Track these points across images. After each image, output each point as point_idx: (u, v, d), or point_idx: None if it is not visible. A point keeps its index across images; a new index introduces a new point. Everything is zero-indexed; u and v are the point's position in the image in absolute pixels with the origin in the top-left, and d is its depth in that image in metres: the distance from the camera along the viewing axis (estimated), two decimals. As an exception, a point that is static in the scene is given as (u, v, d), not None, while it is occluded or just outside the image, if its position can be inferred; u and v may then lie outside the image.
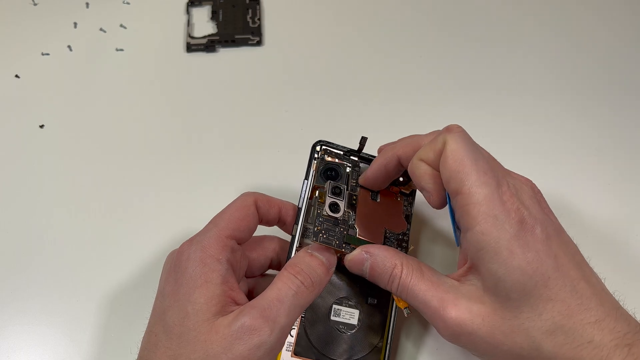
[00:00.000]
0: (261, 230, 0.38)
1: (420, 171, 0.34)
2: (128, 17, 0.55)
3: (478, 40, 0.55)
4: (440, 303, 0.32)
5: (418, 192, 0.40)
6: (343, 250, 0.36)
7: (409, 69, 0.53)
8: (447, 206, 0.34)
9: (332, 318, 0.37)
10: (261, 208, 0.36)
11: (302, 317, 0.37)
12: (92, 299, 0.42)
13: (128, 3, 0.56)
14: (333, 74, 0.53)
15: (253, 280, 0.39)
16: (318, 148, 0.40)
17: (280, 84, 0.52)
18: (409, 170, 0.35)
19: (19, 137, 0.49)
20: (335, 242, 0.36)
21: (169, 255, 0.35)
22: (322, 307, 0.37)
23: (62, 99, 0.51)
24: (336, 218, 0.36)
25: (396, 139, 0.38)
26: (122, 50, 0.53)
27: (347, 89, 0.52)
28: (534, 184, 0.35)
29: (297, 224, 0.37)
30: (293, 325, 0.35)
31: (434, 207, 0.35)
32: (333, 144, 0.40)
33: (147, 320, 0.33)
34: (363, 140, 0.39)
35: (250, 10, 0.55)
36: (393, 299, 0.38)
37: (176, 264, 0.33)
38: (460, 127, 0.34)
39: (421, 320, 0.41)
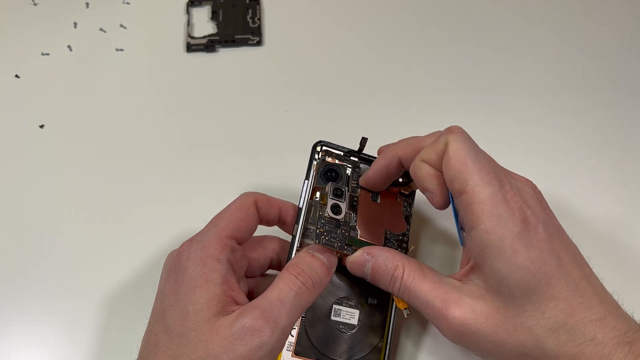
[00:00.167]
0: (261, 230, 0.38)
1: (423, 172, 0.34)
2: (128, 17, 0.55)
3: (478, 40, 0.55)
4: (443, 303, 0.32)
5: (417, 193, 0.40)
6: (345, 252, 0.36)
7: (409, 69, 0.53)
8: (450, 206, 0.34)
9: (333, 318, 0.37)
10: (261, 208, 0.36)
11: (302, 317, 0.37)
12: (92, 299, 0.42)
13: (128, 3, 0.56)
14: (333, 74, 0.53)
15: (253, 281, 0.39)
16: (318, 148, 0.40)
17: (280, 84, 0.52)
18: (411, 171, 0.35)
19: (19, 137, 0.49)
20: (337, 244, 0.36)
21: (168, 255, 0.35)
22: (323, 307, 0.37)
23: (62, 99, 0.51)
24: (338, 220, 0.36)
25: (396, 140, 0.38)
26: (122, 50, 0.53)
27: (347, 89, 0.52)
28: (535, 185, 0.35)
29: (298, 224, 0.37)
30: (294, 325, 0.36)
31: (437, 208, 0.35)
32: (333, 144, 0.40)
33: (147, 320, 0.33)
34: (363, 141, 0.39)
35: (250, 10, 0.55)
36: (393, 300, 0.38)
37: (176, 264, 0.33)
38: (461, 128, 0.34)
39: (421, 320, 0.41)
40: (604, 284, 0.33)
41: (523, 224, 0.31)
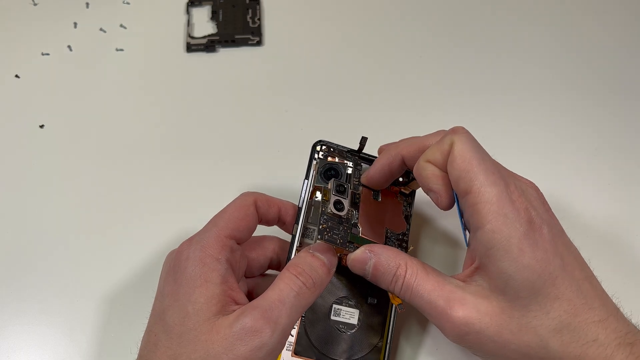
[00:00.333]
0: (261, 230, 0.38)
1: (428, 172, 0.34)
2: (128, 17, 0.55)
3: (478, 41, 0.55)
4: (446, 303, 0.32)
5: (417, 192, 0.40)
6: (346, 249, 0.36)
7: (409, 69, 0.53)
8: (455, 207, 0.34)
9: (332, 318, 0.37)
10: (261, 208, 0.36)
11: (302, 316, 0.37)
12: (92, 299, 0.42)
13: (128, 3, 0.56)
14: (333, 74, 0.53)
15: (253, 281, 0.38)
16: (318, 148, 0.40)
17: (280, 84, 0.52)
18: (415, 172, 0.35)
19: (19, 137, 0.49)
20: (339, 240, 0.36)
21: (168, 255, 0.35)
22: (322, 307, 0.37)
23: (62, 99, 0.51)
24: (340, 216, 0.37)
25: (396, 139, 0.38)
26: (122, 50, 0.53)
27: (347, 89, 0.52)
28: (537, 187, 0.35)
29: (298, 224, 0.37)
30: (294, 325, 0.36)
31: (442, 208, 0.35)
32: (333, 143, 0.40)
33: (147, 320, 0.33)
34: (363, 140, 0.39)
35: (250, 10, 0.55)
36: (392, 299, 0.38)
37: (175, 264, 0.33)
38: (464, 128, 0.34)
39: (421, 320, 0.41)
40: (603, 285, 0.33)
41: (529, 224, 0.31)
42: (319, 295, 0.34)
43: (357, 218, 0.37)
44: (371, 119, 0.50)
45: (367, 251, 0.35)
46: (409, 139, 0.37)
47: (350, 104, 0.51)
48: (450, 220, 0.45)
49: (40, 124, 0.49)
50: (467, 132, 0.34)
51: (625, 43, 0.55)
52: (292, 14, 0.56)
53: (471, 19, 0.56)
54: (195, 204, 0.45)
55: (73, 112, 0.50)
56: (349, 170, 0.39)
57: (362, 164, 0.40)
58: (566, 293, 0.31)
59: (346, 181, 0.39)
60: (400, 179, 0.39)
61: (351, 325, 0.37)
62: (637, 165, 0.49)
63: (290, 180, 0.45)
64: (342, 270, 0.37)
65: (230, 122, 0.50)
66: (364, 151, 0.40)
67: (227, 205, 0.36)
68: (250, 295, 0.34)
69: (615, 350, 0.30)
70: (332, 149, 0.40)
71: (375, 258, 0.35)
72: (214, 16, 0.55)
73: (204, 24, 0.55)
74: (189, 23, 0.55)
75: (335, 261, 0.35)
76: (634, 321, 0.33)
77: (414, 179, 0.38)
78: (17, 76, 0.52)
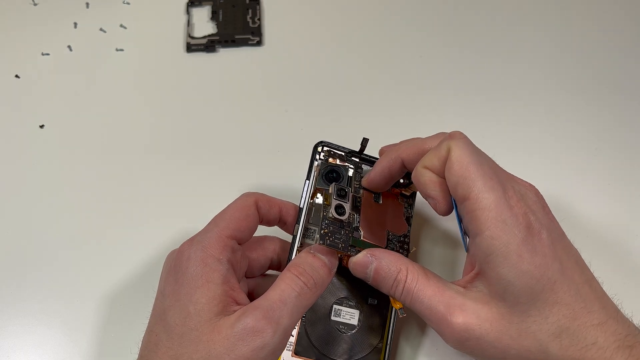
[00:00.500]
0: (262, 231, 0.38)
1: (425, 179, 0.34)
2: (128, 17, 0.55)
3: (478, 41, 0.55)
4: (446, 308, 0.32)
5: (418, 193, 0.40)
6: (348, 253, 0.36)
7: (409, 70, 0.53)
8: (454, 212, 0.34)
9: (333, 318, 0.37)
10: (262, 208, 0.36)
11: (302, 316, 0.37)
12: (92, 299, 0.42)
13: (128, 3, 0.56)
14: (333, 74, 0.53)
15: (253, 281, 0.38)
16: (319, 149, 0.40)
17: (280, 84, 0.52)
18: (413, 178, 0.35)
19: (19, 137, 0.49)
20: (341, 245, 0.36)
21: (168, 255, 0.35)
22: (323, 307, 0.37)
23: (62, 99, 0.51)
24: (342, 220, 0.36)
25: (397, 140, 0.39)
26: (122, 50, 0.53)
27: (347, 89, 0.52)
28: (537, 190, 0.35)
29: (299, 224, 0.37)
30: (295, 326, 0.36)
31: (440, 214, 0.35)
32: (334, 144, 0.40)
33: (147, 320, 0.33)
34: (364, 142, 0.39)
35: (250, 10, 0.55)
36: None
37: (176, 264, 0.33)
38: (462, 133, 0.34)
39: (421, 321, 0.41)
40: (604, 286, 0.33)
41: (527, 229, 0.31)
42: (320, 296, 0.34)
43: (359, 222, 0.37)
44: (371, 118, 0.50)
45: (368, 255, 0.35)
46: (409, 141, 0.37)
47: (351, 103, 0.51)
48: (450, 221, 0.45)
49: (40, 124, 0.49)
50: (465, 137, 0.34)
51: (625, 43, 0.55)
52: (292, 14, 0.56)
53: (472, 20, 0.56)
54: (195, 204, 0.45)
55: (73, 112, 0.50)
56: (350, 173, 0.39)
57: (363, 166, 0.40)
58: (565, 297, 0.31)
59: (347, 184, 0.39)
60: (401, 181, 0.39)
61: (351, 326, 0.37)
62: (637, 165, 0.49)
63: (290, 180, 0.45)
64: (343, 271, 0.37)
65: (230, 122, 0.50)
66: (365, 152, 0.40)
67: (228, 206, 0.36)
68: (251, 296, 0.34)
69: (615, 353, 0.30)
70: (333, 149, 0.40)
71: (376, 262, 0.35)
72: (214, 16, 0.55)
73: (204, 24, 0.55)
74: (189, 23, 0.55)
75: (336, 262, 0.35)
76: (634, 322, 0.33)
77: (414, 180, 0.38)
78: (17, 76, 0.52)
